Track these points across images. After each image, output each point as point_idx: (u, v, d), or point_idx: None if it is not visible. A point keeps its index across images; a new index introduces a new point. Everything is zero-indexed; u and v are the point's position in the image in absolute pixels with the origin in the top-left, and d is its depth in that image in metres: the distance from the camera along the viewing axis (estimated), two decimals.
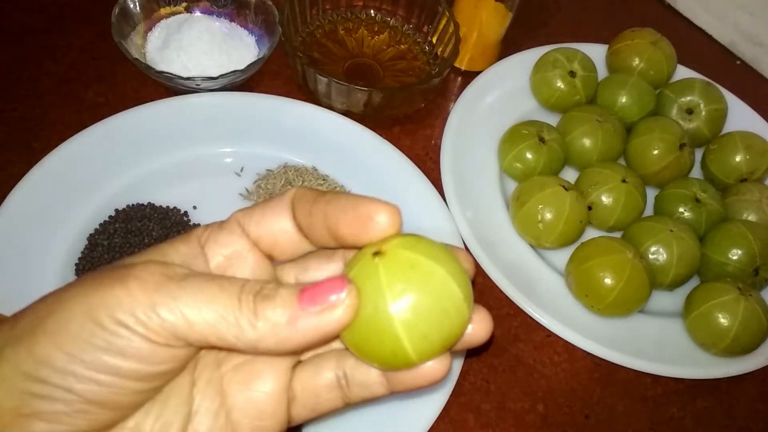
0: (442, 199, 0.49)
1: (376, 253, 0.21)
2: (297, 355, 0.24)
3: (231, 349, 0.22)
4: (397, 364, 0.22)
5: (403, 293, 0.20)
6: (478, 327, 0.23)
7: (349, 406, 0.24)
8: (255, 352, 0.21)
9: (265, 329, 0.20)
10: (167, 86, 0.51)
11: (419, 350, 0.21)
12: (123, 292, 0.20)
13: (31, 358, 0.20)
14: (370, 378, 0.23)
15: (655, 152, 0.51)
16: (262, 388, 0.23)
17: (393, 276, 0.21)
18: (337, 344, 0.24)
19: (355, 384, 0.24)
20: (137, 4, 0.53)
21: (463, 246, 0.47)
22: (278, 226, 0.23)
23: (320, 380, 0.24)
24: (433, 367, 0.22)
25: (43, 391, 0.19)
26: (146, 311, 0.20)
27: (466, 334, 0.23)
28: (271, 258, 0.24)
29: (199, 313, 0.20)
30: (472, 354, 0.44)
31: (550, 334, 0.46)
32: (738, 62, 0.70)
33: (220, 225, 0.24)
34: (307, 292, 0.21)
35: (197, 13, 0.56)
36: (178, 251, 0.22)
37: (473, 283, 0.45)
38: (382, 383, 0.23)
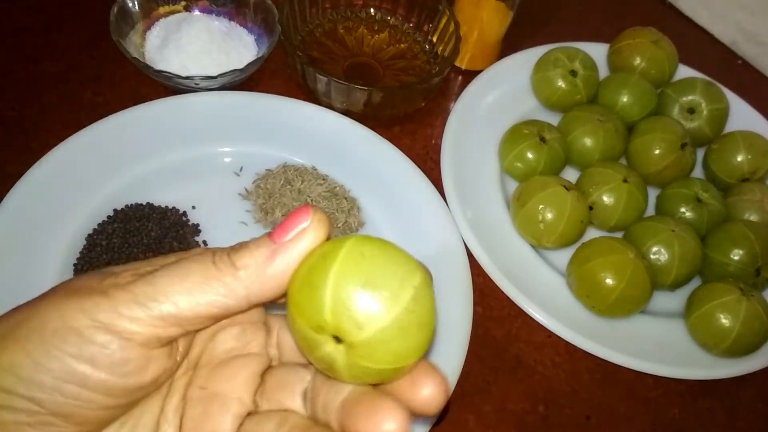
0: (442, 199, 0.48)
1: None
2: (260, 367, 0.24)
3: (227, 315, 0.21)
4: (316, 318, 0.20)
5: (358, 252, 0.20)
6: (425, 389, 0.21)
7: None
8: (248, 303, 0.21)
9: (249, 275, 0.21)
10: (166, 85, 0.51)
11: (336, 292, 0.19)
12: (101, 297, 0.20)
13: None
14: None
15: (657, 152, 0.51)
16: (210, 431, 0.22)
17: (356, 247, 0.20)
18: (287, 403, 0.23)
19: None
20: (136, 3, 0.52)
21: (463, 247, 0.47)
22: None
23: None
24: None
25: (6, 401, 0.19)
26: (128, 305, 0.20)
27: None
28: None
29: (181, 289, 0.20)
30: (473, 355, 0.44)
31: (550, 334, 0.45)
32: (739, 61, 0.70)
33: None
34: (277, 228, 0.21)
35: (196, 12, 0.56)
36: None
37: (474, 285, 0.45)
38: None
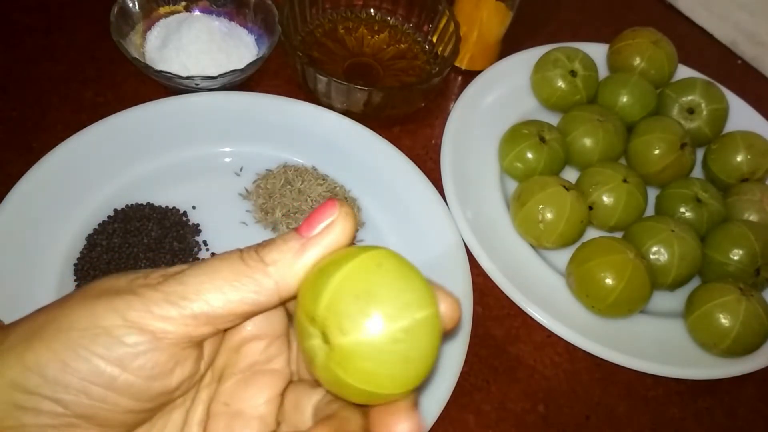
0: (442, 199, 0.49)
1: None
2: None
3: (258, 311, 0.21)
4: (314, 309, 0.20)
5: (373, 261, 0.20)
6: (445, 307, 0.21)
7: None
8: (279, 299, 0.21)
9: (280, 270, 0.21)
10: (166, 86, 0.51)
11: (334, 293, 0.19)
12: (132, 297, 0.20)
13: (20, 365, 0.19)
14: None
15: (656, 152, 0.51)
16: None
17: (374, 257, 0.20)
18: (302, 423, 0.23)
19: None
20: (136, 3, 0.53)
21: (463, 247, 0.47)
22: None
23: None
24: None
25: (29, 402, 0.19)
26: (160, 304, 0.20)
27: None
28: None
29: (211, 286, 0.20)
30: (473, 355, 0.44)
31: (550, 334, 0.45)
32: (739, 62, 0.70)
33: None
34: (304, 222, 0.21)
35: (196, 13, 0.56)
36: None
37: (474, 285, 0.45)
38: None
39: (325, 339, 0.20)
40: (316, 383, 0.24)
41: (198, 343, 0.21)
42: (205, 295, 0.20)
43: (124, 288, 0.20)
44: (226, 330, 0.22)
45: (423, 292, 0.20)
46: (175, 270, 0.21)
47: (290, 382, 0.24)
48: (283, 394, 0.24)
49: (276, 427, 0.23)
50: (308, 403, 0.23)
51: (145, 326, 0.19)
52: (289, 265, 0.21)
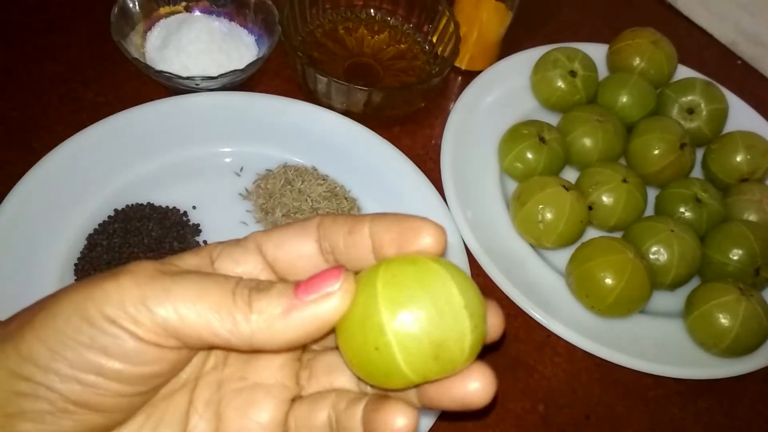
0: (442, 199, 0.49)
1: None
2: (296, 350, 0.24)
3: (225, 347, 0.21)
4: (388, 371, 0.20)
5: (397, 289, 0.20)
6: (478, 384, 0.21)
7: None
8: (250, 347, 0.20)
9: (260, 322, 0.20)
10: (167, 86, 0.51)
11: (406, 350, 0.20)
12: (113, 286, 0.20)
13: (16, 355, 0.19)
14: (354, 426, 0.22)
15: (656, 152, 0.51)
16: (258, 418, 0.22)
17: (391, 276, 0.20)
18: (338, 383, 0.24)
19: (342, 428, 0.22)
20: (136, 3, 0.53)
21: (463, 246, 0.47)
22: (300, 250, 0.23)
23: (314, 419, 0.23)
24: (398, 424, 0.21)
25: (28, 389, 0.19)
26: (136, 305, 0.19)
27: (461, 400, 0.21)
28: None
29: (192, 306, 0.20)
30: None
31: (550, 334, 0.45)
32: (739, 62, 0.70)
33: (236, 242, 0.23)
34: (303, 282, 0.20)
35: (197, 13, 0.56)
36: (186, 262, 0.22)
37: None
38: None
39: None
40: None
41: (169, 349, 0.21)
42: (182, 310, 0.20)
43: (110, 273, 0.20)
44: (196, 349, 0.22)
45: (431, 279, 0.21)
46: (176, 269, 0.21)
47: (314, 351, 0.24)
48: (304, 361, 0.24)
49: (299, 390, 0.23)
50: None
51: (117, 323, 0.19)
52: (270, 321, 0.20)
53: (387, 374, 0.21)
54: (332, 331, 0.21)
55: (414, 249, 0.21)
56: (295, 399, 0.23)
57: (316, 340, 0.23)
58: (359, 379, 0.23)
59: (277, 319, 0.20)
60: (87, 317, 0.19)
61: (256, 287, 0.21)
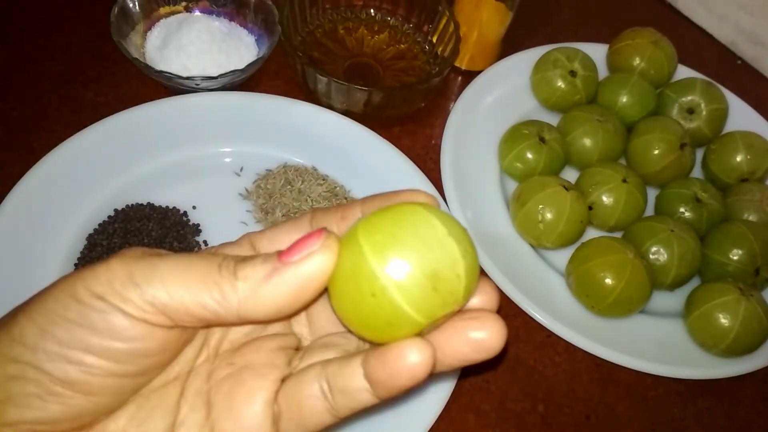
0: (442, 199, 0.49)
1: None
2: (284, 320, 0.23)
3: (215, 322, 0.21)
4: (390, 318, 0.20)
5: (379, 235, 0.20)
6: (487, 333, 0.21)
7: (339, 419, 0.22)
8: (239, 317, 0.20)
9: (246, 289, 0.20)
10: (167, 86, 0.51)
11: (403, 288, 0.19)
12: (102, 268, 0.20)
13: (8, 338, 0.20)
14: (352, 383, 0.21)
15: (656, 152, 0.51)
16: (246, 401, 0.22)
17: (371, 226, 0.20)
18: (323, 356, 0.23)
19: (338, 391, 0.21)
20: (136, 3, 0.53)
21: None
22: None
23: (303, 391, 0.22)
24: (411, 359, 0.20)
25: (15, 370, 0.19)
26: (124, 282, 0.19)
27: (473, 341, 0.21)
28: None
29: (179, 280, 0.20)
30: None
31: (550, 334, 0.45)
32: (739, 62, 0.70)
33: (229, 243, 0.24)
34: (286, 248, 0.20)
35: (197, 13, 0.56)
36: None
37: None
38: (365, 388, 0.21)
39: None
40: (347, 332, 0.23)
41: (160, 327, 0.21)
42: (170, 286, 0.20)
43: (108, 258, 0.20)
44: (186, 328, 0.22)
45: (411, 220, 0.21)
46: (164, 252, 0.21)
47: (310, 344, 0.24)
48: (296, 350, 0.24)
49: (289, 372, 0.23)
50: (348, 343, 0.23)
51: (106, 300, 0.19)
52: (255, 287, 0.20)
53: (390, 321, 0.20)
54: (317, 298, 0.21)
55: None
56: (285, 379, 0.22)
57: (305, 306, 0.22)
58: (362, 339, 0.23)
59: (262, 283, 0.20)
60: (75, 295, 0.19)
61: (241, 258, 0.21)
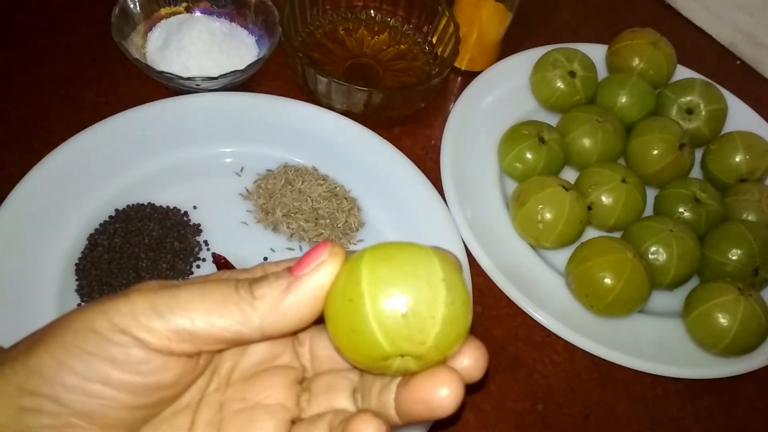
0: (442, 199, 0.49)
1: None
2: (309, 326, 0.24)
3: (239, 341, 0.22)
4: (357, 326, 0.20)
5: (379, 258, 0.21)
6: (469, 359, 0.22)
7: None
8: (262, 334, 0.21)
9: (265, 306, 0.21)
10: (167, 86, 0.52)
11: (375, 299, 0.20)
12: (122, 301, 0.20)
13: (25, 370, 0.20)
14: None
15: (655, 152, 0.51)
16: None
17: (380, 251, 0.21)
18: (338, 404, 0.24)
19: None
20: (137, 4, 0.53)
21: (463, 247, 0.47)
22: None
23: None
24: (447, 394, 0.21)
25: (31, 403, 0.19)
26: (148, 314, 0.20)
27: (425, 399, 0.21)
28: None
29: (200, 306, 0.20)
30: None
31: (549, 334, 0.46)
32: (738, 62, 0.70)
33: (244, 269, 0.25)
34: (296, 263, 0.22)
35: (197, 14, 0.56)
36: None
37: (473, 284, 0.45)
38: None
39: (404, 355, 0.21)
40: (349, 369, 0.24)
41: (182, 356, 0.21)
42: (192, 313, 0.20)
43: (124, 292, 0.21)
44: (210, 351, 0.23)
45: (417, 254, 0.21)
46: (173, 282, 0.21)
47: (314, 375, 0.25)
48: (304, 384, 0.24)
49: (299, 413, 0.24)
50: (346, 384, 0.24)
51: (129, 332, 0.20)
52: (275, 303, 0.21)
53: (356, 330, 0.20)
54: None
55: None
56: (295, 421, 0.24)
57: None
58: (345, 359, 0.23)
59: (279, 299, 0.21)
60: (96, 329, 0.20)
61: (255, 279, 0.22)
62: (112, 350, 0.20)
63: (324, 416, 0.23)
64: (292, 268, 0.22)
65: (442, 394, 0.20)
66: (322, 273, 0.21)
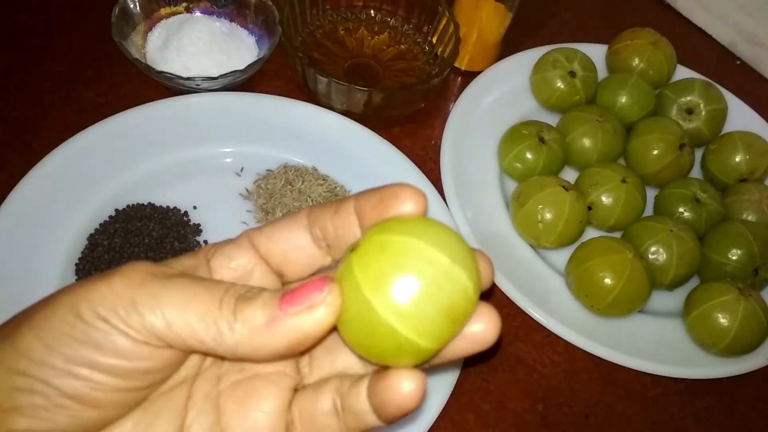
0: (442, 199, 0.49)
1: (352, 249, 0.21)
2: (288, 358, 0.23)
3: (212, 354, 0.21)
4: (408, 354, 0.20)
5: (379, 279, 0.19)
6: (484, 325, 0.21)
7: None
8: (234, 357, 0.20)
9: (243, 332, 0.20)
10: (167, 86, 0.52)
11: (419, 330, 0.19)
12: (106, 288, 0.20)
13: (14, 351, 0.20)
14: (359, 406, 0.21)
15: (655, 152, 0.51)
16: (260, 407, 0.22)
17: (366, 266, 0.20)
18: (339, 363, 0.23)
19: (348, 411, 0.21)
20: (137, 4, 0.53)
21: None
22: (292, 241, 0.23)
23: (318, 405, 0.22)
24: (405, 389, 0.20)
25: (23, 383, 0.19)
26: (126, 308, 0.20)
27: (470, 335, 0.21)
28: (280, 276, 0.24)
29: (179, 313, 0.20)
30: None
31: (549, 334, 0.46)
32: (738, 62, 0.70)
33: (229, 240, 0.24)
34: (288, 293, 0.20)
35: (197, 14, 0.56)
36: (182, 263, 0.22)
37: None
38: (371, 411, 0.21)
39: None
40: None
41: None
42: (170, 317, 0.20)
43: (105, 274, 0.20)
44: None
45: (432, 232, 0.20)
46: (168, 272, 0.21)
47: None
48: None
49: (300, 380, 0.23)
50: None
51: (110, 322, 0.20)
52: (253, 333, 0.20)
53: (401, 350, 0.20)
54: (319, 342, 0.21)
55: (395, 214, 0.21)
56: (298, 389, 0.23)
57: (303, 352, 0.22)
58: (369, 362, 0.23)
59: (260, 330, 0.20)
60: (80, 315, 0.20)
61: (244, 295, 0.20)
62: (98, 336, 0.19)
63: (328, 382, 0.22)
64: (282, 299, 0.20)
65: (479, 329, 0.21)
66: (310, 317, 0.20)
